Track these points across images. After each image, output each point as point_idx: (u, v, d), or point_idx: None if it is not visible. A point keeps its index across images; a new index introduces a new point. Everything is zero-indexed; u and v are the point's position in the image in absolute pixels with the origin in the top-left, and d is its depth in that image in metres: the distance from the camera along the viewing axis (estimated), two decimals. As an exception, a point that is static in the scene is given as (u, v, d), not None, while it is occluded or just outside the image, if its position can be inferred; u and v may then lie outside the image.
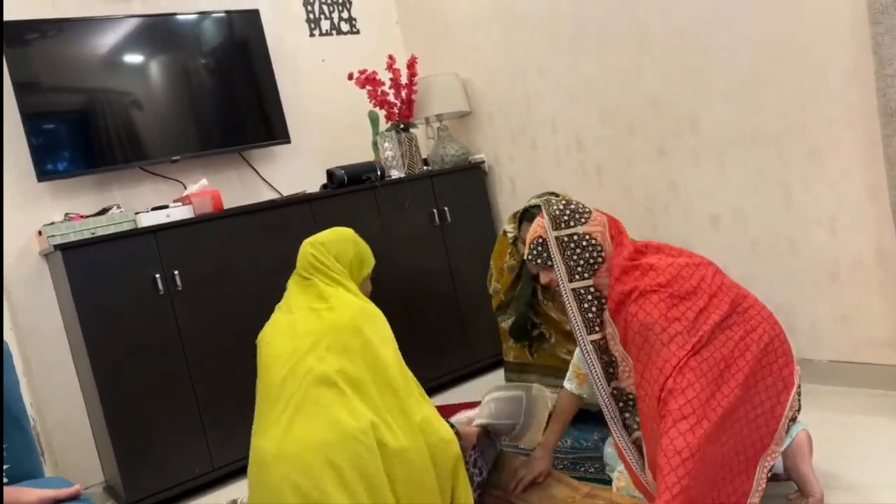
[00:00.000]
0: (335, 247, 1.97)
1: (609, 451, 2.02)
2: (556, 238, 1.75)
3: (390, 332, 1.85)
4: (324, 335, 1.75)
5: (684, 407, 1.50)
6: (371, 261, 2.05)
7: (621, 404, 1.72)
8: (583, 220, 1.77)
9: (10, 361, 1.79)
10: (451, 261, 3.31)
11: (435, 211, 3.29)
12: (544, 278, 1.83)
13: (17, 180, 2.73)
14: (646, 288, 1.63)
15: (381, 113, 3.40)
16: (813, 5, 2.21)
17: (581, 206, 1.81)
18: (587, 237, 1.75)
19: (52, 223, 2.60)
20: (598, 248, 1.75)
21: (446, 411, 2.82)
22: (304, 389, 1.67)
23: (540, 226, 1.81)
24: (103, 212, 2.71)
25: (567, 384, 1.99)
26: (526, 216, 2.45)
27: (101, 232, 2.57)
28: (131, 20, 2.92)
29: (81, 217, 2.65)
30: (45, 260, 2.73)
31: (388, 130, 3.39)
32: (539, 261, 1.80)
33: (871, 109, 2.07)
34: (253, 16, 3.19)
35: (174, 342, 2.63)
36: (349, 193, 3.08)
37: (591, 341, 1.71)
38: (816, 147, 2.29)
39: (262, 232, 2.85)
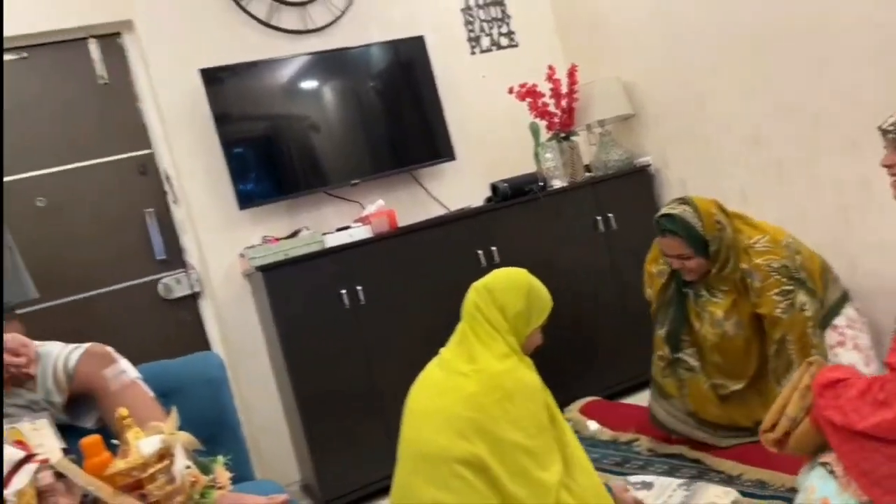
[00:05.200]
0: (502, 296, 1.82)
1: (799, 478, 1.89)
2: None
3: (526, 408, 1.75)
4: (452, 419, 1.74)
5: None
6: (545, 310, 1.88)
7: None
8: None
9: (224, 374, 2.03)
10: (618, 269, 3.26)
11: (599, 218, 3.26)
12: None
13: (221, 208, 3.05)
14: None
15: (542, 124, 3.43)
16: None
17: None
18: None
19: (252, 246, 2.89)
20: None
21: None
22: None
23: None
24: (295, 234, 2.97)
25: None
26: (658, 226, 2.36)
27: (293, 253, 2.81)
28: (309, 57, 3.17)
29: (276, 240, 2.92)
30: (248, 280, 3.04)
31: (549, 140, 3.41)
32: None
33: None
34: (418, 42, 3.34)
35: (359, 352, 2.84)
36: (512, 206, 3.14)
37: None
38: None
39: (432, 247, 2.99)
